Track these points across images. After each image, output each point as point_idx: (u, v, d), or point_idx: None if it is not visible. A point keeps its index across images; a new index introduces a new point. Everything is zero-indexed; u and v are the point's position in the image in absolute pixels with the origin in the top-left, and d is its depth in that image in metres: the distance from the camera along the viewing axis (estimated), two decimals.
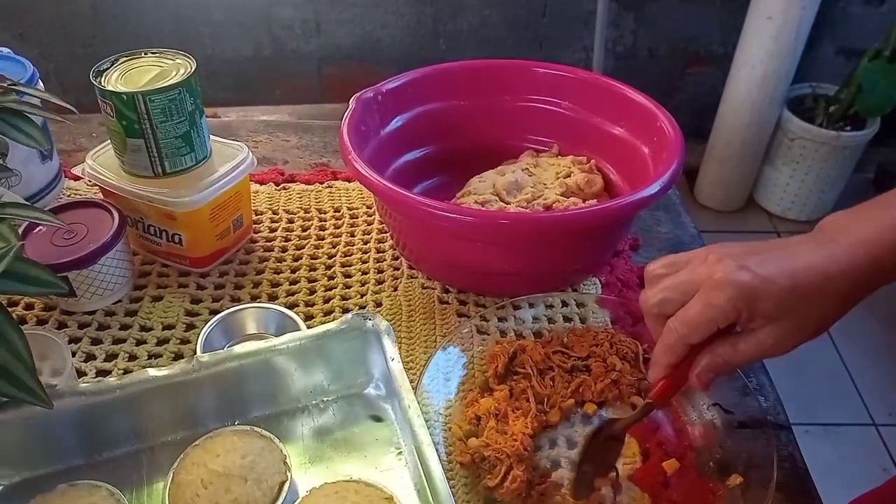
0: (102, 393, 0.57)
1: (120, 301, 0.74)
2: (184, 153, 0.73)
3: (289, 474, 0.55)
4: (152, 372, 0.58)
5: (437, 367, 0.63)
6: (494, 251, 0.70)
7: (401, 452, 0.59)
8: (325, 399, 0.63)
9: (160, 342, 0.70)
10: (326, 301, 0.75)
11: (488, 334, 0.69)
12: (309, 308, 0.74)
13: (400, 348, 0.67)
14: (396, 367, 0.59)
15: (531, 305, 0.72)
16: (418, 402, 0.57)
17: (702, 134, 2.24)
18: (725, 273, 0.48)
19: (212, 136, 0.78)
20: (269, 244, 0.83)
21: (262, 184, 0.92)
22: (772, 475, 0.53)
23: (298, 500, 0.53)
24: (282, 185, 0.93)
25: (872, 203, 0.52)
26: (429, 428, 0.56)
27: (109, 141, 0.75)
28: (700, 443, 0.59)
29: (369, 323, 0.61)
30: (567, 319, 0.72)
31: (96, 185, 0.78)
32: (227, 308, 0.69)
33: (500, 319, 0.72)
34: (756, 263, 0.49)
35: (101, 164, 0.76)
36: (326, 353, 0.61)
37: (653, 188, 0.67)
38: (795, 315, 0.49)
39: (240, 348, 0.59)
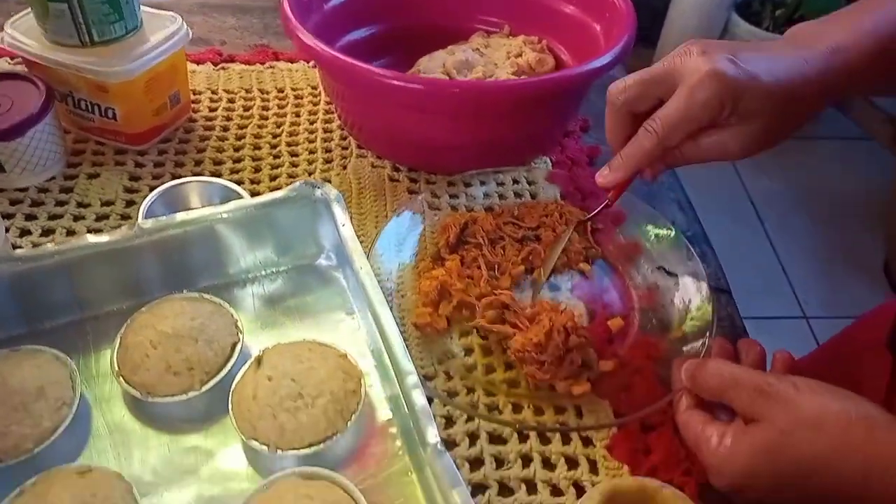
0: (39, 259, 0.54)
1: (53, 178, 0.71)
2: (112, 20, 0.69)
3: (241, 336, 0.55)
4: (91, 238, 0.56)
5: (389, 234, 0.63)
6: (443, 123, 0.69)
7: (354, 317, 0.59)
8: (275, 270, 0.62)
9: (99, 218, 0.68)
10: (273, 179, 0.73)
11: (440, 210, 0.69)
12: (255, 185, 0.72)
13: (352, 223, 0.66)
14: (347, 232, 0.58)
15: (482, 183, 0.72)
16: (371, 268, 0.57)
17: (651, 39, 2.24)
18: (714, 65, 0.45)
19: (143, 8, 0.73)
20: (209, 123, 0.79)
21: (199, 63, 0.88)
22: (710, 328, 0.56)
23: (252, 359, 0.53)
24: (220, 66, 0.88)
25: (840, 12, 0.51)
26: (383, 285, 0.56)
27: (30, 8, 0.70)
28: (643, 304, 0.62)
29: (318, 191, 0.60)
30: (518, 196, 0.72)
31: (18, 56, 0.72)
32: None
33: (451, 196, 0.71)
34: (743, 60, 0.46)
35: (22, 33, 0.71)
36: (274, 222, 0.60)
37: (603, 59, 0.66)
38: (769, 117, 0.47)
39: (183, 215, 0.57)
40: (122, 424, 0.53)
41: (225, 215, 0.58)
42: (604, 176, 0.54)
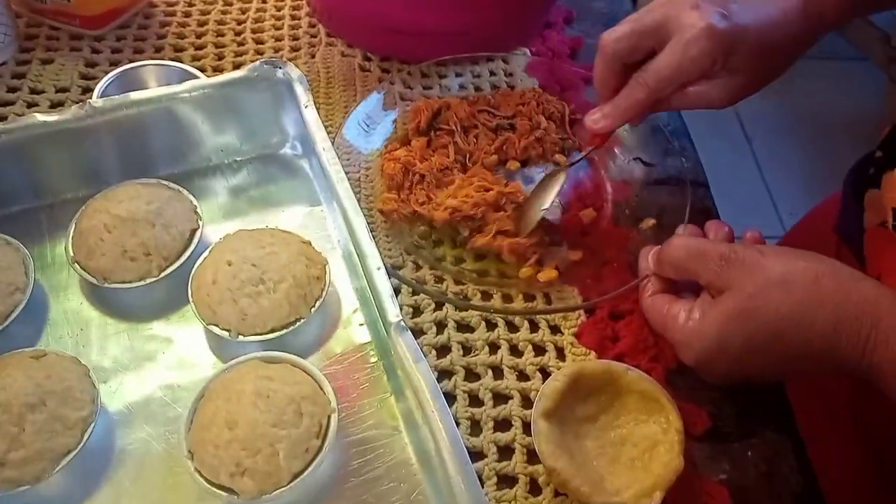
0: None
1: (5, 63, 0.67)
2: None
3: (200, 223, 0.53)
4: (41, 117, 0.53)
5: (357, 119, 0.60)
6: (419, 1, 0.65)
7: (320, 209, 0.58)
8: (238, 159, 0.60)
9: (54, 105, 0.64)
10: (237, 67, 0.69)
11: (412, 101, 0.66)
12: (217, 73, 0.69)
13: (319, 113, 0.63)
14: (311, 115, 0.55)
15: (458, 74, 0.69)
16: (337, 154, 0.55)
17: None
18: (708, 21, 0.46)
19: None
20: (170, 9, 0.75)
21: None
22: (683, 218, 0.54)
23: (212, 245, 0.51)
24: None
25: None
26: (349, 181, 0.54)
27: None
28: (617, 196, 0.60)
29: (280, 72, 0.57)
30: (494, 88, 0.69)
31: None
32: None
33: (425, 88, 0.68)
34: (733, 11, 0.46)
35: None
36: (235, 105, 0.57)
37: None
38: (755, 68, 0.49)
39: (137, 94, 0.54)
40: (80, 312, 0.52)
41: (183, 95, 0.55)
42: (595, 122, 0.53)
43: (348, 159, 0.59)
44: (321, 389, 0.46)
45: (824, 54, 2.39)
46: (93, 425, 0.44)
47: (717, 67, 0.48)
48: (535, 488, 0.46)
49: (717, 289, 0.44)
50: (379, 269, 0.47)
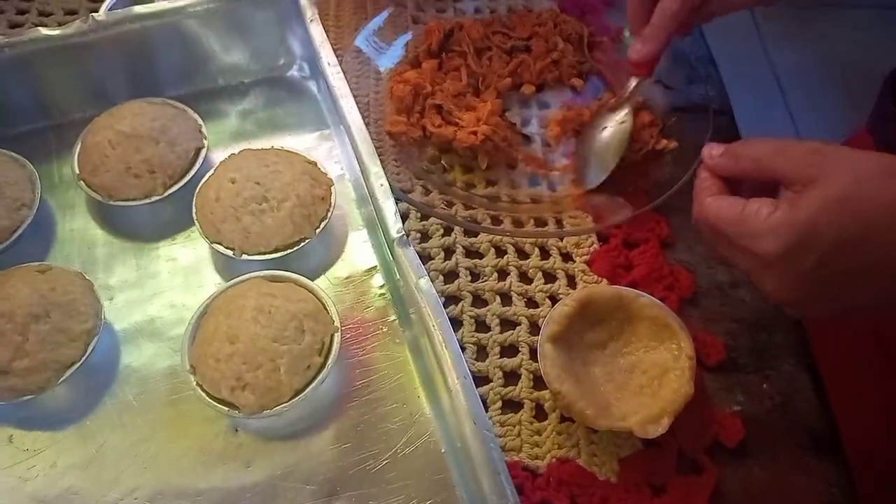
0: None
1: None
2: None
3: (205, 142, 0.52)
4: (45, 31, 0.52)
5: (368, 37, 0.58)
6: None
7: (328, 132, 0.56)
8: (245, 81, 0.59)
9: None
10: None
11: (425, 24, 0.64)
12: None
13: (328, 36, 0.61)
14: (317, 30, 0.54)
15: None
16: (346, 76, 0.53)
17: None
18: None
19: None
20: None
21: None
22: (704, 141, 0.52)
23: (218, 164, 0.50)
24: None
25: None
26: (358, 105, 0.52)
27: None
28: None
29: None
30: (510, 10, 0.66)
31: None
32: None
33: (438, 11, 0.66)
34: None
35: None
36: (241, 22, 0.56)
37: None
38: None
39: (141, 8, 0.53)
40: (87, 231, 0.52)
41: (188, 10, 0.54)
42: (637, 51, 0.51)
43: (357, 83, 0.58)
44: (325, 309, 0.45)
45: (862, 3, 2.28)
46: (97, 338, 0.44)
47: None
48: (540, 413, 0.46)
49: (806, 183, 0.38)
50: (382, 185, 0.45)
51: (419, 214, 0.53)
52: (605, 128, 0.53)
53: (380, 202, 0.45)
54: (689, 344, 0.44)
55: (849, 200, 0.36)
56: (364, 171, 0.47)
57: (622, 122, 0.53)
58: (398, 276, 0.45)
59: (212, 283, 0.50)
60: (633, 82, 0.53)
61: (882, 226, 0.36)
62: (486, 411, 0.45)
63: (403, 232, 0.43)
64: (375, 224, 0.49)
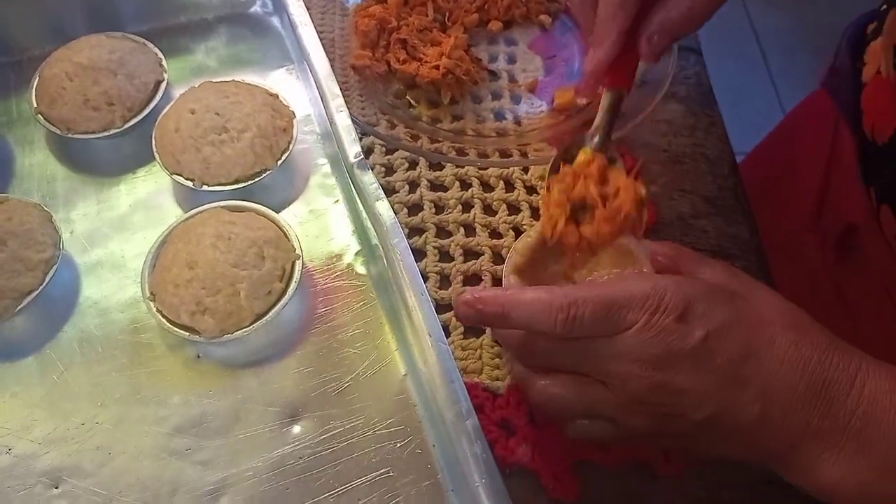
0: None
1: None
2: None
3: (165, 75, 0.52)
4: None
5: None
6: None
7: (292, 69, 0.55)
8: (207, 17, 0.58)
9: None
10: None
11: None
12: None
13: None
14: None
15: None
16: (310, 12, 0.53)
17: None
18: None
19: None
20: None
21: None
22: (665, 82, 0.52)
23: (178, 96, 0.50)
24: None
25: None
26: (324, 41, 0.52)
27: None
28: None
29: None
30: None
31: None
32: None
33: None
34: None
35: None
36: None
37: None
38: None
39: None
40: (46, 166, 0.51)
41: None
42: (591, 61, 0.42)
43: (322, 18, 0.57)
44: (286, 237, 0.45)
45: None
46: (55, 267, 0.44)
47: None
48: None
49: None
50: (341, 110, 0.45)
51: (384, 149, 0.53)
52: None
53: (338, 126, 0.45)
54: (650, 269, 0.44)
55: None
56: (323, 97, 0.46)
57: None
58: (360, 206, 0.45)
59: (173, 216, 0.49)
60: (605, 99, 0.44)
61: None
62: (448, 336, 0.46)
63: (362, 155, 0.43)
64: (338, 158, 0.49)
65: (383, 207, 0.42)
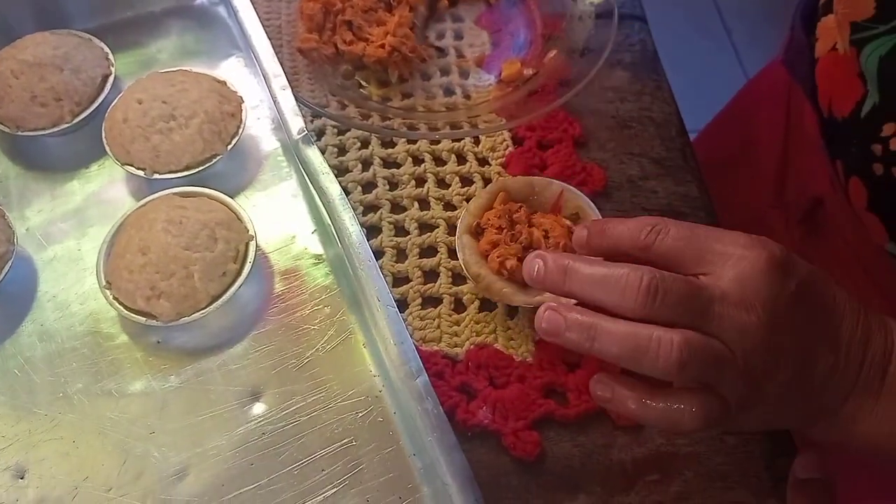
0: None
1: None
2: None
3: (112, 69, 0.52)
4: None
5: None
6: None
7: (239, 57, 0.56)
8: (154, 11, 0.58)
9: None
10: None
11: None
12: None
13: None
14: None
15: None
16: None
17: None
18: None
19: None
20: None
21: None
22: (605, 49, 0.53)
23: (126, 88, 0.50)
24: None
25: None
26: (270, 28, 0.52)
27: None
28: (549, 30, 0.58)
29: None
30: None
31: None
32: None
33: None
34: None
35: None
36: None
37: None
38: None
39: None
40: None
41: None
42: None
43: (268, 5, 0.58)
44: (239, 219, 0.46)
45: None
46: (10, 262, 0.44)
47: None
48: (459, 306, 0.47)
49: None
50: (284, 89, 0.45)
51: (336, 130, 0.54)
52: None
53: (281, 104, 0.45)
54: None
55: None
56: (266, 77, 0.47)
57: None
58: (310, 183, 0.46)
59: (128, 207, 0.49)
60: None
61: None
62: (407, 308, 0.46)
63: (305, 131, 0.44)
64: (291, 140, 0.49)
65: (328, 181, 0.42)
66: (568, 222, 0.45)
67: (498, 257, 0.44)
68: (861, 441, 0.36)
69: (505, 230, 0.45)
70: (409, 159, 0.52)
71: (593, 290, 0.34)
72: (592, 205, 0.46)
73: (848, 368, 0.35)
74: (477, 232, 0.47)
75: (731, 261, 0.34)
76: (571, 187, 0.47)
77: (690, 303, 0.33)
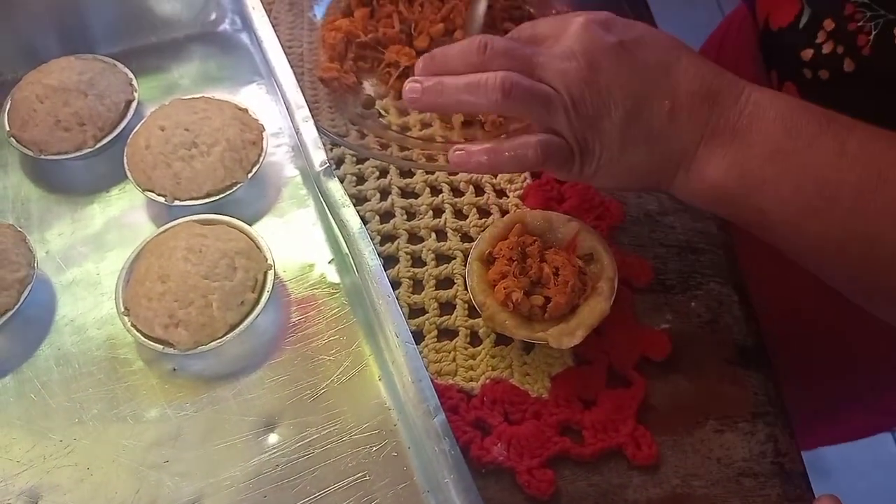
0: None
1: None
2: None
3: (135, 94, 0.52)
4: None
5: None
6: None
7: (262, 81, 0.56)
8: (178, 37, 0.59)
9: None
10: None
11: None
12: None
13: None
14: None
15: None
16: (278, 27, 0.54)
17: None
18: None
19: None
20: None
21: None
22: None
23: (148, 114, 0.51)
24: None
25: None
26: (292, 55, 0.53)
27: None
28: (541, 12, 0.59)
29: None
30: None
31: None
32: None
33: None
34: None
35: None
36: None
37: None
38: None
39: None
40: (21, 188, 0.52)
41: None
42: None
43: (290, 34, 0.58)
44: (258, 248, 0.46)
45: None
46: (30, 286, 0.44)
47: None
48: (475, 339, 0.47)
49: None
50: (306, 120, 0.46)
51: (355, 158, 0.54)
52: None
53: (303, 135, 0.45)
54: (610, 265, 0.45)
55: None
56: (288, 106, 0.47)
57: None
58: (329, 214, 0.46)
59: (147, 232, 0.49)
60: None
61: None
62: (422, 340, 0.46)
63: (328, 163, 0.44)
64: (313, 169, 0.49)
65: (349, 214, 0.42)
66: (580, 262, 0.45)
67: (505, 289, 0.44)
68: (714, 188, 0.40)
69: (515, 262, 0.45)
70: (427, 189, 0.52)
71: (460, 95, 0.40)
72: (608, 248, 0.46)
73: (690, 119, 0.39)
74: (488, 260, 0.47)
75: (558, 33, 0.41)
76: (590, 227, 0.47)
77: (515, 52, 0.40)
